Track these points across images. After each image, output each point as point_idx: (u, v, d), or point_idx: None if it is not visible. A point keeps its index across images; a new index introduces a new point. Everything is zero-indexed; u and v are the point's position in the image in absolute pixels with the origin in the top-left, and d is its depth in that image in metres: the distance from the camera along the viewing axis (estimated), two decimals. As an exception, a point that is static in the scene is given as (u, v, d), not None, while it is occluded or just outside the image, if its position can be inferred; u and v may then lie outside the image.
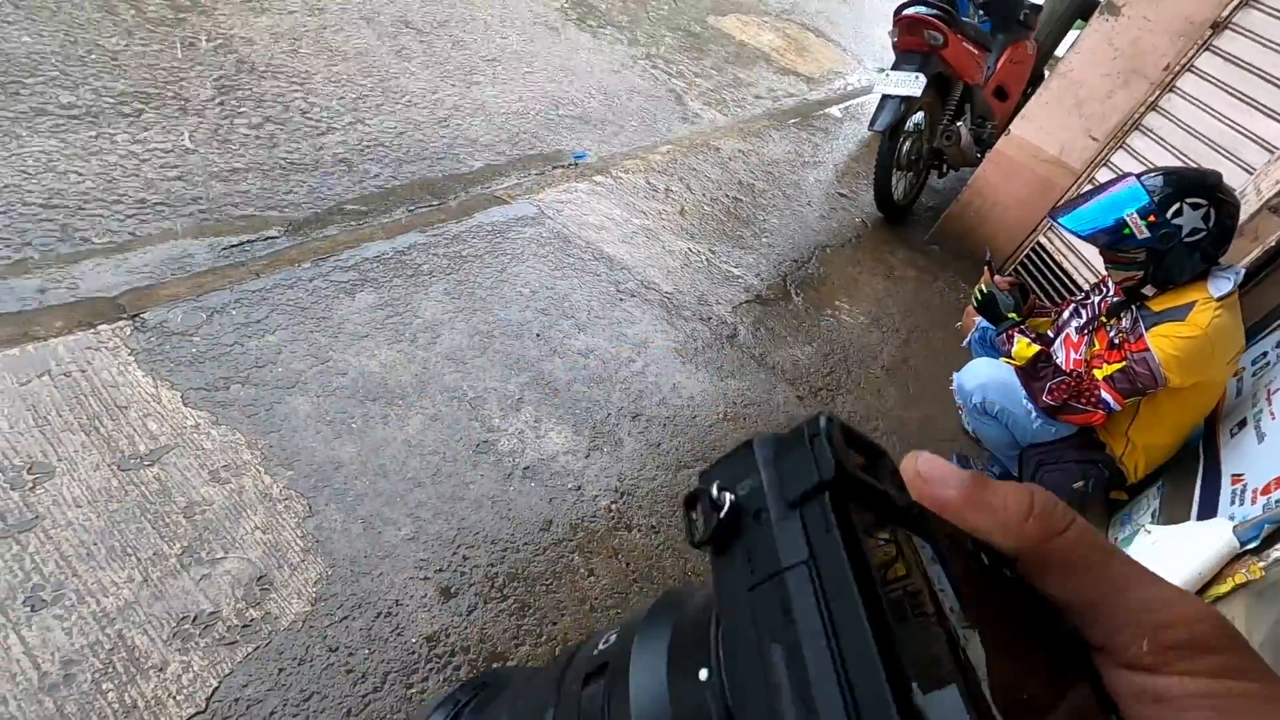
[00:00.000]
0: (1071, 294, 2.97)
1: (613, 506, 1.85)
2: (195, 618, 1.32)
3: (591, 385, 2.14)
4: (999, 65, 3.75)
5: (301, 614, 1.39)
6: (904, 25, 3.22)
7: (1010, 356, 2.18)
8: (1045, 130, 3.20)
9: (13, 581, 1.26)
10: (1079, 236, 1.93)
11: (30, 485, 1.38)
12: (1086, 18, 3.42)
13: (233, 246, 2.15)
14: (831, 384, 2.57)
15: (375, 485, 1.65)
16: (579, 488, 1.85)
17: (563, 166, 3.18)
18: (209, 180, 2.34)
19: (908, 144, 3.51)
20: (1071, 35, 4.53)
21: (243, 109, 2.67)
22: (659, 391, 2.22)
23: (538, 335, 2.22)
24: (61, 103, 2.33)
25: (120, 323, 1.75)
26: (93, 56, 2.54)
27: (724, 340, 2.53)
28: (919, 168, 3.72)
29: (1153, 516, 1.97)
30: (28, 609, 1.24)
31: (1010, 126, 3.34)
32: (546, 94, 3.69)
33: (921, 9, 3.21)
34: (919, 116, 3.51)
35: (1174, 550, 1.55)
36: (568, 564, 1.68)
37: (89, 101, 2.38)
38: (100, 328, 1.71)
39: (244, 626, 1.34)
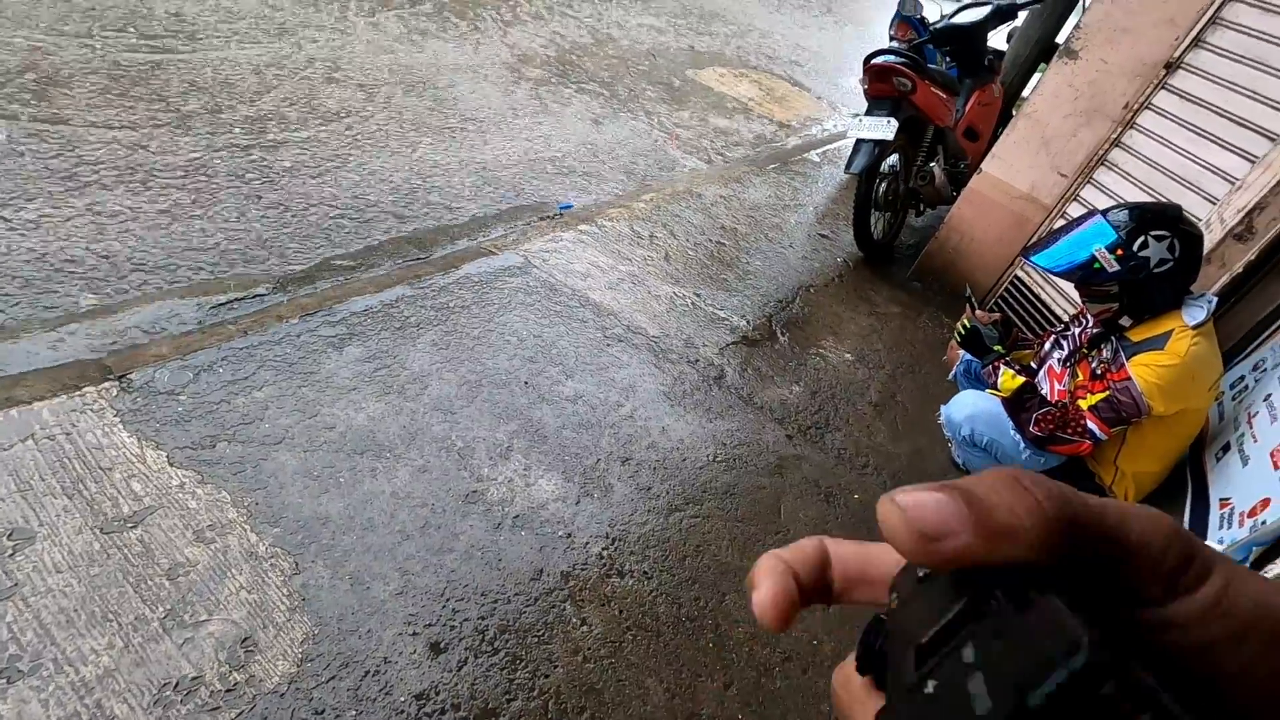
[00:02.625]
0: (1051, 325, 3.02)
1: (604, 553, 1.83)
2: (177, 683, 1.28)
3: (580, 431, 2.14)
4: (968, 108, 3.89)
5: (287, 675, 1.36)
6: (873, 73, 3.35)
7: (996, 389, 2.21)
8: (1015, 168, 3.30)
9: (-11, 652, 1.22)
10: (1052, 273, 1.98)
11: (10, 551, 1.36)
12: (1049, 61, 3.58)
13: (220, 305, 2.17)
14: (820, 422, 2.57)
15: (363, 540, 1.63)
16: (569, 535, 1.84)
17: (548, 217, 3.24)
18: (196, 240, 2.37)
19: (884, 185, 3.61)
20: (1037, 77, 4.72)
21: (230, 170, 2.72)
22: (648, 435, 2.23)
23: (525, 383, 2.23)
24: (48, 167, 2.37)
25: (106, 384, 1.75)
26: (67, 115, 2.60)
27: (711, 382, 2.55)
28: (896, 207, 3.81)
29: (1146, 544, 1.97)
30: (2, 681, 1.20)
31: (982, 165, 3.44)
32: (531, 148, 3.79)
33: (890, 58, 3.34)
34: (894, 158, 3.62)
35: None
36: (559, 614, 1.66)
37: (70, 167, 2.43)
38: (86, 390, 1.71)
39: (227, 691, 1.30)
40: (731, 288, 3.18)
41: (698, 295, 3.02)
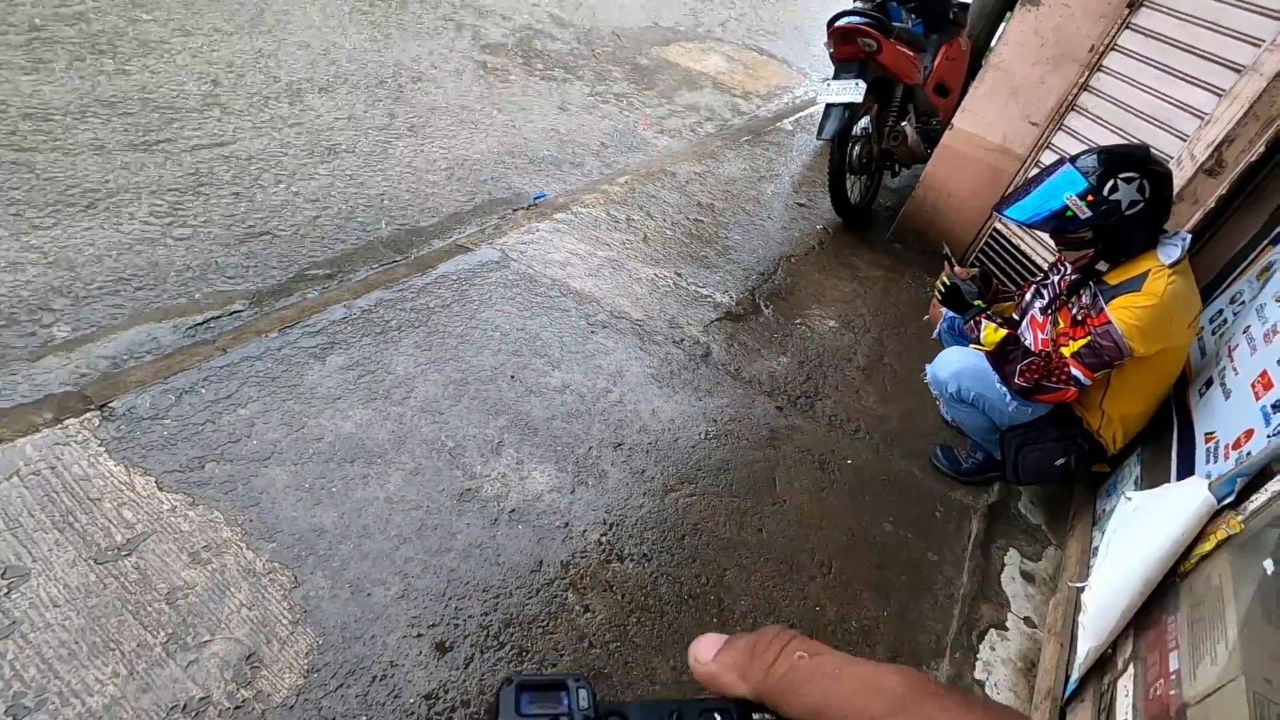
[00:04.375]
0: (1032, 276, 3.03)
1: (603, 539, 1.84)
2: (185, 705, 1.29)
3: (570, 420, 2.15)
4: (935, 64, 3.86)
5: (295, 688, 1.37)
6: (838, 36, 3.31)
7: (980, 343, 2.21)
8: (986, 121, 3.29)
9: (-7, 691, 1.23)
10: (1026, 226, 1.98)
11: (5, 590, 1.36)
12: (1014, 9, 3.55)
13: (197, 325, 2.16)
14: (809, 390, 2.58)
15: (360, 547, 1.64)
16: (567, 524, 1.85)
17: (523, 208, 3.22)
18: (169, 260, 2.35)
19: (857, 148, 3.59)
20: (1003, 27, 4.68)
21: (197, 183, 2.69)
22: (639, 419, 2.23)
23: (512, 377, 2.23)
24: (10, 199, 2.34)
25: (88, 414, 1.74)
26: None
27: (698, 360, 2.55)
28: (871, 170, 3.80)
29: (1136, 484, 1.99)
30: (9, 719, 1.21)
31: (954, 120, 3.43)
32: (501, 140, 3.75)
33: (853, 19, 3.31)
34: (865, 121, 3.59)
35: (1154, 513, 1.57)
36: (562, 603, 1.67)
37: (37, 196, 2.40)
38: (68, 422, 1.70)
39: (236, 708, 1.31)
40: (712, 264, 3.17)
41: (679, 275, 3.01)
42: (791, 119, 5.23)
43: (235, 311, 2.24)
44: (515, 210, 3.19)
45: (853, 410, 2.56)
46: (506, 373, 2.24)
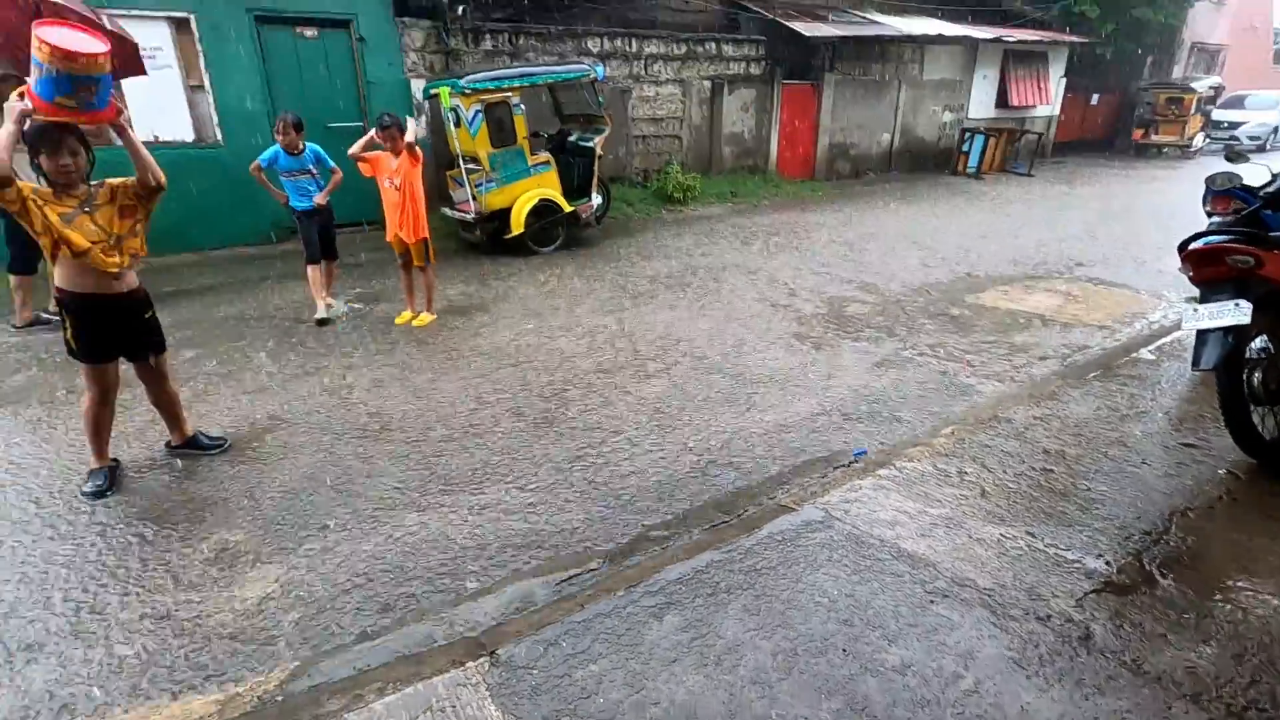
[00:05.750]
0: None
1: None
2: None
3: (916, 710, 1.87)
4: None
5: None
6: (1196, 259, 2.96)
7: None
8: None
9: None
10: None
11: (409, 822, 1.57)
12: None
13: (564, 581, 2.50)
14: (1261, 698, 1.88)
15: (692, 837, 1.55)
16: None
17: (843, 466, 3.23)
18: (546, 523, 2.84)
19: (1259, 374, 2.95)
20: None
21: (575, 455, 3.30)
22: (1003, 717, 1.84)
23: (844, 651, 2.07)
24: (379, 489, 3.13)
25: (481, 659, 2.06)
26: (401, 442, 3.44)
27: (1076, 644, 2.08)
28: (1287, 397, 3.03)
29: None
30: None
31: None
32: (818, 400, 3.95)
33: (1215, 239, 2.95)
34: (1260, 341, 2.99)
35: None
36: None
37: (416, 485, 3.17)
38: (467, 665, 2.04)
39: None
40: (1074, 521, 2.71)
41: (1031, 534, 2.62)
42: (1150, 348, 4.58)
43: (592, 570, 2.56)
44: (835, 468, 3.22)
45: (1351, 738, 1.77)
46: (837, 645, 2.09)
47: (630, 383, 4.17)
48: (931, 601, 2.27)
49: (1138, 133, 17.69)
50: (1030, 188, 12.52)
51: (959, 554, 2.51)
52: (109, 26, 4.60)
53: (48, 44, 2.47)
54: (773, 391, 4.07)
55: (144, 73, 5.29)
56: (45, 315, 5.15)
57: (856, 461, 3.26)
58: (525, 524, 2.85)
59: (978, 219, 9.60)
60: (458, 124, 6.89)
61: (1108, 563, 2.46)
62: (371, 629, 2.29)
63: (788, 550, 2.54)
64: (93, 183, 2.84)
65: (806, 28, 10.68)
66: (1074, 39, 15.06)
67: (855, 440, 3.51)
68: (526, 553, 2.67)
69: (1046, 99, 15.76)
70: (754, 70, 11.45)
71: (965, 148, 14.09)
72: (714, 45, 10.92)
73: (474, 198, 7.05)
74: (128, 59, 4.82)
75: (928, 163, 14.51)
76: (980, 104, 15.02)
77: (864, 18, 12.32)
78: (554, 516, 2.90)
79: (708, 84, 10.99)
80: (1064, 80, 16.23)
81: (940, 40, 12.69)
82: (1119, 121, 18.71)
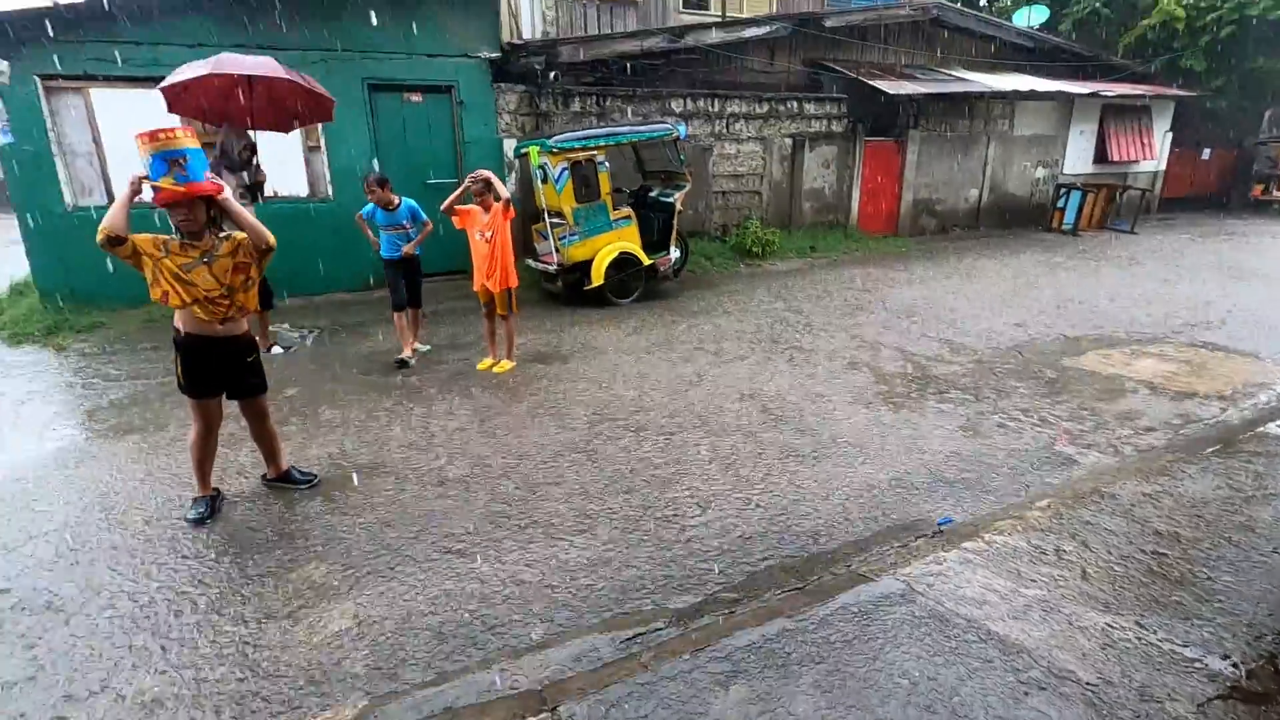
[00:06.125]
0: None
1: None
2: None
3: (1008, 816, 1.70)
4: None
5: None
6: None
7: None
8: None
9: None
10: None
11: None
12: None
13: (628, 640, 2.45)
14: None
15: None
16: None
17: (925, 535, 3.06)
18: (613, 576, 2.80)
19: None
20: None
21: (642, 508, 3.27)
22: (1112, 835, 1.65)
23: (926, 740, 1.92)
24: (453, 533, 3.16)
25: (542, 715, 2.03)
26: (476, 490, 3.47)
27: (1198, 757, 1.85)
28: None
29: None
30: None
31: None
32: (901, 463, 3.78)
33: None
34: None
35: None
36: None
37: (489, 530, 3.19)
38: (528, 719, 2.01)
39: None
40: (1192, 613, 2.44)
41: (1141, 625, 2.38)
42: (1278, 422, 4.15)
43: (658, 629, 2.50)
44: (918, 538, 3.05)
45: None
46: (919, 733, 1.94)
47: (704, 436, 4.12)
48: (1026, 693, 2.08)
49: (1257, 188, 16.55)
50: (1134, 246, 11.84)
51: (1057, 642, 2.30)
52: (307, 85, 5.55)
53: (137, 137, 2.88)
54: (851, 451, 3.93)
55: (331, 119, 6.19)
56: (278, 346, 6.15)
57: (941, 531, 3.08)
58: (593, 576, 2.82)
59: (1074, 278, 9.12)
60: (545, 180, 7.21)
61: (1235, 665, 2.20)
62: (438, 673, 2.31)
63: (865, 623, 2.40)
64: (222, 233, 3.12)
65: (890, 85, 10.67)
66: (1179, 93, 14.36)
67: (939, 509, 3.32)
68: (593, 605, 2.64)
69: (1150, 154, 14.99)
70: (835, 127, 11.48)
71: (1061, 204, 13.54)
72: (795, 104, 11.05)
73: (557, 250, 7.30)
74: (319, 110, 5.96)
75: (1019, 219, 14.00)
76: (1077, 159, 14.45)
77: (950, 74, 12.21)
78: (622, 570, 2.86)
79: (789, 141, 11.09)
80: (1170, 134, 15.43)
81: (1032, 96, 12.37)
82: (1234, 176, 17.53)
